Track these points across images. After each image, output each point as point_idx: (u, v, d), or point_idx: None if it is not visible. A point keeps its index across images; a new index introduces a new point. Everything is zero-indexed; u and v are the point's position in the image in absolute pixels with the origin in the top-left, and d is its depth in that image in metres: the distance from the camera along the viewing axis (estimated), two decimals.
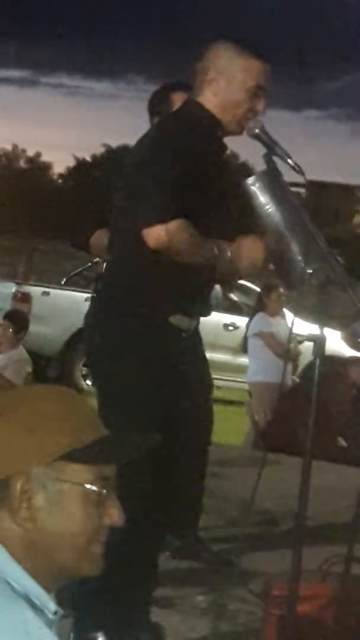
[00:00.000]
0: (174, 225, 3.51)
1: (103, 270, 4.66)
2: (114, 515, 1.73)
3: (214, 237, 3.63)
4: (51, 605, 1.69)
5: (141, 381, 3.65)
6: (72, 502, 1.69)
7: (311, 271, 3.45)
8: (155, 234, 3.52)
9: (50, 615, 1.68)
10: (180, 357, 3.74)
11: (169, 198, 3.53)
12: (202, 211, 3.60)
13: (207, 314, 3.92)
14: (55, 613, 1.69)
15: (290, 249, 3.54)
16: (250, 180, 3.62)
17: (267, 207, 3.58)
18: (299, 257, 3.50)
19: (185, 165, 3.56)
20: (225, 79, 3.67)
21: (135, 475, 3.43)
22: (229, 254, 3.62)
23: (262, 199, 3.59)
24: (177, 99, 4.50)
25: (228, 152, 4.00)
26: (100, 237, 4.55)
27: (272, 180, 3.61)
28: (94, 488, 1.70)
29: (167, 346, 3.70)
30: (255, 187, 3.60)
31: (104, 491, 1.71)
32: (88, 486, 1.69)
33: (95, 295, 3.87)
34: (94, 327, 3.82)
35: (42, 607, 1.66)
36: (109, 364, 3.74)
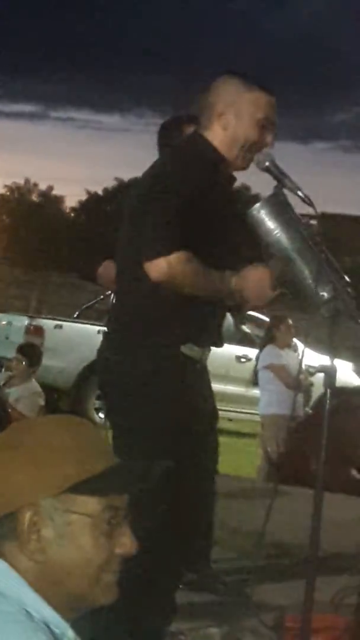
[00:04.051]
0: (175, 257, 3.54)
1: (113, 302, 4.70)
2: (126, 544, 1.73)
3: (220, 269, 3.67)
4: (70, 634, 1.69)
5: (154, 411, 3.67)
6: (81, 534, 1.69)
7: (324, 294, 3.46)
8: (157, 267, 3.56)
9: None
10: (192, 387, 3.76)
11: (170, 231, 3.56)
12: (207, 244, 3.63)
13: (219, 344, 3.93)
14: None
15: (301, 274, 3.56)
16: (256, 207, 3.64)
17: (275, 232, 3.60)
18: (310, 282, 3.52)
19: (188, 199, 3.59)
20: (234, 113, 3.69)
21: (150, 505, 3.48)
22: (232, 285, 3.65)
23: (269, 225, 3.61)
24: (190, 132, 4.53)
25: (239, 184, 4.03)
26: (107, 268, 4.58)
27: (278, 206, 3.63)
28: (103, 519, 1.70)
29: (179, 376, 3.71)
30: (261, 214, 3.62)
31: (114, 521, 1.71)
32: (97, 517, 1.70)
33: (107, 328, 3.91)
34: (108, 359, 3.84)
35: (60, 636, 1.67)
36: (124, 395, 3.77)
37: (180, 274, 3.56)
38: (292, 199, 3.66)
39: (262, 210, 3.62)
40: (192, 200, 3.59)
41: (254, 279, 3.67)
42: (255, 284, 3.66)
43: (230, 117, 3.71)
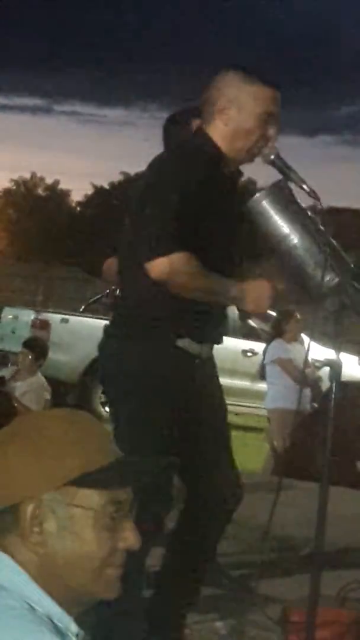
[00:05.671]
0: (176, 257, 3.54)
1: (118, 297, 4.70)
2: (129, 538, 1.72)
3: (223, 267, 3.67)
4: (73, 628, 1.68)
5: (152, 405, 3.67)
6: (83, 527, 1.68)
7: (333, 279, 3.45)
8: (157, 267, 3.56)
9: (73, 638, 1.68)
10: (190, 381, 3.75)
11: (171, 230, 3.56)
12: (206, 241, 3.64)
13: (218, 340, 3.92)
14: (77, 635, 1.69)
15: (305, 264, 3.56)
16: (257, 196, 3.63)
17: (278, 222, 3.58)
18: (314, 271, 3.51)
19: (187, 197, 3.59)
20: (236, 108, 3.69)
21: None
22: (233, 293, 3.65)
23: (271, 214, 3.59)
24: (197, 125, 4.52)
25: (244, 178, 4.02)
26: (112, 264, 4.58)
27: (280, 196, 3.61)
28: (106, 513, 1.70)
29: (175, 370, 3.71)
30: (263, 204, 3.61)
31: (117, 515, 1.71)
32: (99, 511, 1.69)
33: (109, 322, 3.91)
34: (107, 353, 3.85)
35: (64, 630, 1.66)
36: (122, 389, 3.77)
37: (180, 275, 3.56)
38: (297, 192, 3.65)
39: (263, 200, 3.61)
40: (191, 198, 3.59)
41: (254, 293, 3.68)
42: (254, 298, 3.68)
43: (232, 112, 3.70)
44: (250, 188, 3.92)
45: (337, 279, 3.47)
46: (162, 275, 3.56)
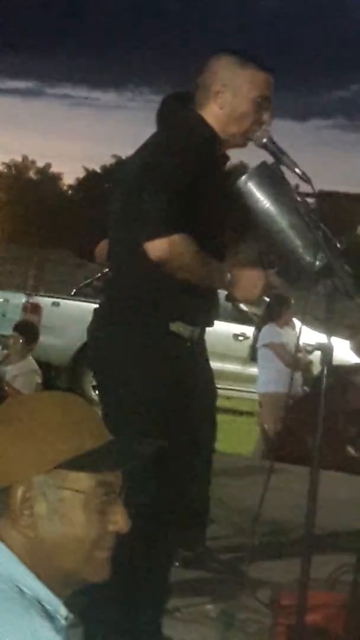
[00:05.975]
0: (177, 238, 3.51)
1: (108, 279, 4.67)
2: (119, 521, 1.73)
3: (215, 248, 3.66)
4: (62, 611, 1.69)
5: (142, 389, 3.65)
6: (73, 510, 1.69)
7: (317, 262, 3.45)
8: (158, 247, 3.52)
9: (62, 621, 1.68)
10: (182, 365, 3.74)
11: (171, 211, 3.53)
12: (202, 223, 3.62)
13: (210, 323, 3.91)
14: (66, 618, 1.70)
15: (292, 244, 3.56)
16: (243, 178, 3.63)
17: (264, 203, 3.59)
18: (301, 250, 3.52)
19: (186, 178, 3.57)
20: (231, 91, 3.69)
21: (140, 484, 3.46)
22: (228, 277, 3.65)
23: (258, 195, 3.60)
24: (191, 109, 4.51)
25: (237, 162, 4.02)
26: (105, 247, 4.57)
27: (266, 177, 3.61)
28: (96, 495, 1.70)
29: (168, 353, 3.69)
30: (248, 185, 3.61)
31: (107, 498, 1.71)
32: (89, 494, 1.69)
33: (98, 305, 3.89)
34: (97, 336, 3.83)
35: (53, 613, 1.67)
36: (112, 372, 3.75)
37: (181, 256, 3.53)
38: (290, 176, 3.65)
39: (249, 181, 3.61)
40: (189, 180, 3.57)
41: (245, 281, 3.67)
42: (245, 285, 3.67)
43: (227, 95, 3.70)
44: (242, 171, 3.91)
45: (326, 260, 3.47)
46: (162, 256, 3.53)
